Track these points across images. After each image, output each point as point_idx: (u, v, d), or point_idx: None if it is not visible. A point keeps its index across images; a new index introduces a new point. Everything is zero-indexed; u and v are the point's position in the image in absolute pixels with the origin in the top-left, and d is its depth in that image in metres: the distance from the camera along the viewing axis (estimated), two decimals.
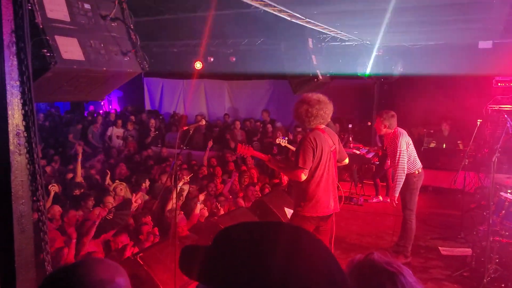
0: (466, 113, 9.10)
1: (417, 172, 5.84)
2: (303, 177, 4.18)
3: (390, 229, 7.09)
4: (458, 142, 9.77)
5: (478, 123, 6.65)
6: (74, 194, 6.92)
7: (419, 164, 5.92)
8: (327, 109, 4.28)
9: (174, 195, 4.97)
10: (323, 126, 4.38)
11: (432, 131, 10.27)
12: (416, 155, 5.97)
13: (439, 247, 6.32)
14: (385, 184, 8.96)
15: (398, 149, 5.62)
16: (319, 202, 4.27)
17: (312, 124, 4.29)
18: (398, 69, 9.78)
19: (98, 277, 1.20)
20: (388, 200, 5.99)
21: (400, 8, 5.52)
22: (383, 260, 1.49)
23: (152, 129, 12.38)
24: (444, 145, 9.91)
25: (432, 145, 10.06)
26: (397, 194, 5.68)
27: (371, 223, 7.60)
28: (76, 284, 1.19)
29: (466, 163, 6.66)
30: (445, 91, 10.44)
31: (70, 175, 7.91)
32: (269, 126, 11.87)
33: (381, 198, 8.91)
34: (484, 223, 5.75)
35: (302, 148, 4.20)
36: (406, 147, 5.70)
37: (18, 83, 2.11)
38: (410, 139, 5.90)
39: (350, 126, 10.10)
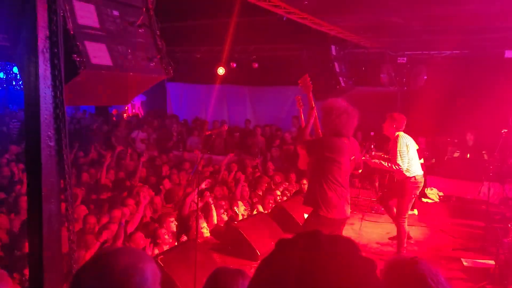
0: (491, 123, 8.94)
1: (413, 180, 5.87)
2: (299, 148, 4.60)
3: (411, 239, 6.99)
4: (483, 152, 9.58)
5: (503, 133, 6.53)
6: (101, 197, 7.06)
7: (418, 171, 5.96)
8: (354, 121, 4.36)
9: (196, 199, 5.02)
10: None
11: (456, 141, 10.11)
12: (418, 162, 6.06)
13: (462, 258, 6.21)
14: None
15: (397, 149, 5.77)
16: (334, 205, 4.34)
17: (346, 134, 4.35)
18: (421, 78, 9.68)
19: (122, 265, 1.29)
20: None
21: (424, 16, 5.50)
22: (428, 271, 1.49)
23: (174, 134, 12.51)
24: (468, 155, 9.74)
25: (456, 154, 9.90)
26: (373, 162, 5.95)
27: (391, 232, 7.51)
28: (104, 273, 1.29)
29: (491, 174, 6.55)
30: (470, 100, 10.27)
31: (96, 178, 8.07)
32: (287, 134, 11.83)
33: (416, 211, 8.42)
34: (508, 235, 5.65)
35: (321, 139, 4.45)
36: (406, 149, 5.80)
37: (50, 87, 2.19)
38: (414, 144, 5.99)
39: (372, 133, 10.02)
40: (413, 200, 6.15)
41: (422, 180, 6.07)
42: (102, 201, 6.86)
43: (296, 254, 0.98)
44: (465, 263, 6.08)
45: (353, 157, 4.49)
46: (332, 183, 4.30)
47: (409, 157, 5.84)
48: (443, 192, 9.45)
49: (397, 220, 6.10)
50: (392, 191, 6.41)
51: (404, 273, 1.51)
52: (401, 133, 5.94)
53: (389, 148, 6.05)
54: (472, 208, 8.46)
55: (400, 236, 6.10)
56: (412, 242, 6.85)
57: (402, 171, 5.81)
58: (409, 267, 1.53)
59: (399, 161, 5.77)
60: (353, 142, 4.56)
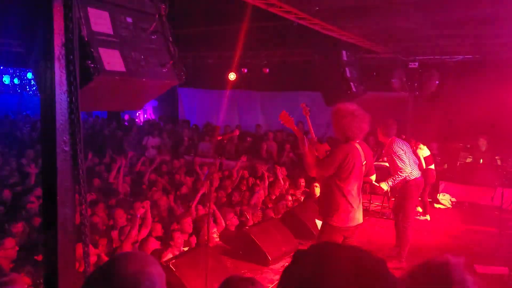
0: (504, 128, 8.85)
1: (413, 182, 5.98)
2: (313, 173, 4.37)
3: (423, 245, 6.94)
4: (496, 157, 9.48)
5: None
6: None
7: (417, 174, 6.06)
8: (362, 125, 4.30)
9: (208, 204, 5.05)
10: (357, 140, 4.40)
11: (468, 146, 10.02)
12: (415, 165, 6.18)
13: (475, 265, 6.13)
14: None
15: (395, 154, 5.89)
16: (347, 213, 4.30)
17: (353, 136, 4.30)
18: (433, 83, 9.62)
19: (131, 270, 1.32)
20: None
21: (436, 21, 5.48)
22: (459, 274, 1.50)
23: (186, 139, 12.58)
24: (481, 160, 9.64)
25: (469, 160, 9.80)
26: (388, 185, 5.88)
27: None
28: (113, 281, 1.31)
29: (504, 180, 6.49)
30: (482, 105, 10.18)
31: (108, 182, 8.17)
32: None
33: (428, 217, 8.37)
34: None
35: (333, 155, 4.25)
36: (403, 152, 5.93)
37: (66, 92, 2.23)
38: (407, 148, 6.12)
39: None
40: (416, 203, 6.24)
41: (422, 181, 6.20)
42: (115, 205, 6.94)
43: (308, 265, 1.06)
44: (478, 270, 6.01)
45: (365, 162, 4.43)
46: (342, 190, 4.25)
47: (408, 160, 5.96)
48: (455, 198, 9.36)
49: (403, 224, 6.05)
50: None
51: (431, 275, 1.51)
52: (394, 139, 6.06)
53: (384, 154, 6.22)
54: (485, 214, 8.37)
55: (403, 242, 6.04)
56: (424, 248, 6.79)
57: (407, 174, 5.88)
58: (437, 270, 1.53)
59: (401, 165, 5.85)
60: (365, 147, 4.49)
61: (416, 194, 6.12)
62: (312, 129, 4.89)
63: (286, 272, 1.12)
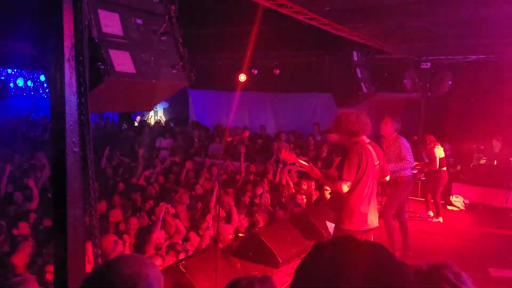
0: None
1: (405, 179, 6.27)
2: (345, 188, 4.11)
3: (436, 246, 6.87)
4: (510, 159, 9.36)
5: None
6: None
7: (408, 171, 6.35)
8: (365, 119, 4.29)
9: (218, 205, 5.05)
10: (367, 140, 4.35)
11: (482, 147, 9.90)
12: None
13: (489, 268, 6.05)
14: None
15: (402, 148, 6.20)
16: (361, 216, 4.22)
17: (360, 131, 4.27)
18: (446, 83, 9.52)
19: (128, 272, 1.33)
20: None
21: (448, 21, 5.42)
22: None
23: (196, 140, 12.60)
24: (495, 162, 9.52)
25: (482, 161, 9.69)
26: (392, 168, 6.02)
27: (416, 241, 7.37)
28: (109, 282, 1.32)
29: None
30: (496, 105, 10.05)
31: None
32: (310, 139, 11.81)
33: (441, 219, 8.31)
34: None
35: (348, 159, 4.15)
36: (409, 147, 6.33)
37: (76, 94, 2.24)
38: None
39: (415, 138, 9.84)
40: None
41: (413, 180, 6.57)
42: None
43: (325, 258, 1.09)
44: (492, 273, 5.92)
45: (378, 162, 4.38)
46: (355, 192, 4.18)
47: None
48: (469, 200, 9.25)
49: (386, 217, 6.18)
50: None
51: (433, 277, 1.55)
52: (400, 136, 6.37)
53: (386, 148, 6.38)
54: (499, 216, 8.27)
55: (390, 230, 6.16)
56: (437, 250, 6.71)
57: (412, 166, 6.34)
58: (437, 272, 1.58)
59: (410, 158, 6.24)
60: (376, 148, 4.45)
61: (404, 191, 6.38)
62: (303, 162, 4.80)
63: (303, 263, 1.13)
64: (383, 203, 6.62)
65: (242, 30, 8.06)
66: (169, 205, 5.98)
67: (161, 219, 5.47)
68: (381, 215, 6.11)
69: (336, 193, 4.41)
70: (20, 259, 4.55)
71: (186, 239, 5.85)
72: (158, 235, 5.44)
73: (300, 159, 4.68)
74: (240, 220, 6.88)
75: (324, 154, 10.35)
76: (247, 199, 7.97)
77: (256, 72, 12.12)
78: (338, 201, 4.35)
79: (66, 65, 2.21)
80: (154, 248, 5.31)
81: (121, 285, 1.30)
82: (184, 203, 7.24)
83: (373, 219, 4.33)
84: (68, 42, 2.22)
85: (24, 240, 4.75)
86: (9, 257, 4.55)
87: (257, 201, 7.92)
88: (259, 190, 8.00)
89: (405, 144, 6.25)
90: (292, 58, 11.41)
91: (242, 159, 10.02)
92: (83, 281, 1.39)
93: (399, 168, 6.17)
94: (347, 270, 1.02)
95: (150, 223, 6.05)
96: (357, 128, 4.23)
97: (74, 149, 2.21)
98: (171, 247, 5.46)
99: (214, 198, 7.05)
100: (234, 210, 6.71)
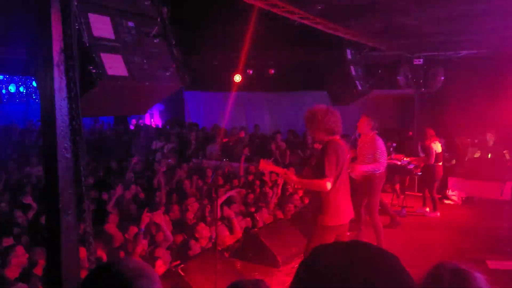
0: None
1: (379, 175, 6.31)
2: (329, 186, 4.09)
3: (435, 242, 6.87)
4: (504, 151, 9.39)
5: None
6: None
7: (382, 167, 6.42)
8: (339, 116, 4.30)
9: (215, 207, 5.03)
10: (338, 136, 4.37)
11: (476, 141, 9.94)
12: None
13: (487, 261, 6.06)
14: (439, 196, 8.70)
15: (377, 150, 6.29)
16: (340, 210, 4.25)
17: (338, 130, 4.29)
18: (439, 79, 9.54)
19: (131, 266, 1.30)
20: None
21: (440, 18, 5.43)
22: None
23: (193, 142, 12.57)
24: (489, 155, 9.55)
25: (477, 155, 9.72)
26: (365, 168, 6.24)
27: (414, 236, 7.39)
28: (112, 278, 1.28)
29: None
30: (489, 100, 10.08)
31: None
32: (309, 137, 11.80)
33: (438, 214, 8.39)
34: None
35: (327, 157, 4.14)
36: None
37: (66, 99, 2.22)
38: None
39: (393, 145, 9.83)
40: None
41: (384, 174, 6.52)
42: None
43: (329, 261, 1.07)
44: (490, 266, 5.93)
45: (348, 155, 4.46)
46: (335, 189, 4.18)
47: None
48: (464, 194, 9.29)
49: (371, 218, 6.27)
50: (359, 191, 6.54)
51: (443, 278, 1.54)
52: (377, 136, 6.42)
53: (361, 144, 6.49)
54: (494, 209, 8.29)
55: (379, 233, 6.26)
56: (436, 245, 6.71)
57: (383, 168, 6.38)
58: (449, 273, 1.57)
59: (383, 160, 6.34)
60: (344, 142, 4.48)
61: (379, 187, 6.41)
62: (277, 167, 4.86)
63: (302, 265, 1.12)
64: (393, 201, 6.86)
65: (236, 30, 8.04)
66: (159, 212, 5.86)
67: (143, 230, 5.36)
68: (368, 215, 6.37)
69: (314, 193, 4.38)
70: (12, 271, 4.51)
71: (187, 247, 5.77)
72: (144, 246, 5.39)
73: (275, 167, 4.81)
74: (238, 221, 6.86)
75: None
76: (246, 200, 7.95)
77: (251, 72, 12.10)
78: (318, 199, 4.31)
79: (56, 70, 2.18)
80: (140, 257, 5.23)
81: (123, 279, 1.27)
82: (177, 208, 7.17)
83: (350, 212, 4.40)
84: (57, 47, 2.19)
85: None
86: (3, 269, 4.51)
87: (256, 201, 7.92)
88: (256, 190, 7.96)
89: (380, 146, 6.34)
90: (286, 57, 11.38)
91: (243, 160, 9.96)
92: (85, 278, 1.37)
93: (371, 170, 6.25)
94: (350, 275, 1.01)
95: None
96: (336, 128, 4.26)
97: (66, 155, 2.18)
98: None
99: (223, 198, 6.99)
100: (235, 222, 6.61)
